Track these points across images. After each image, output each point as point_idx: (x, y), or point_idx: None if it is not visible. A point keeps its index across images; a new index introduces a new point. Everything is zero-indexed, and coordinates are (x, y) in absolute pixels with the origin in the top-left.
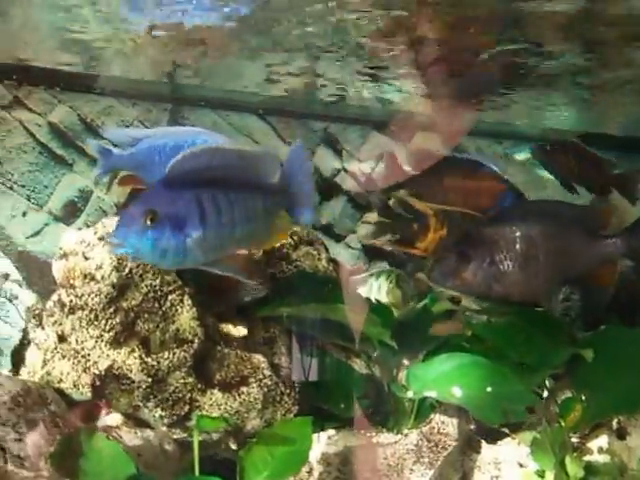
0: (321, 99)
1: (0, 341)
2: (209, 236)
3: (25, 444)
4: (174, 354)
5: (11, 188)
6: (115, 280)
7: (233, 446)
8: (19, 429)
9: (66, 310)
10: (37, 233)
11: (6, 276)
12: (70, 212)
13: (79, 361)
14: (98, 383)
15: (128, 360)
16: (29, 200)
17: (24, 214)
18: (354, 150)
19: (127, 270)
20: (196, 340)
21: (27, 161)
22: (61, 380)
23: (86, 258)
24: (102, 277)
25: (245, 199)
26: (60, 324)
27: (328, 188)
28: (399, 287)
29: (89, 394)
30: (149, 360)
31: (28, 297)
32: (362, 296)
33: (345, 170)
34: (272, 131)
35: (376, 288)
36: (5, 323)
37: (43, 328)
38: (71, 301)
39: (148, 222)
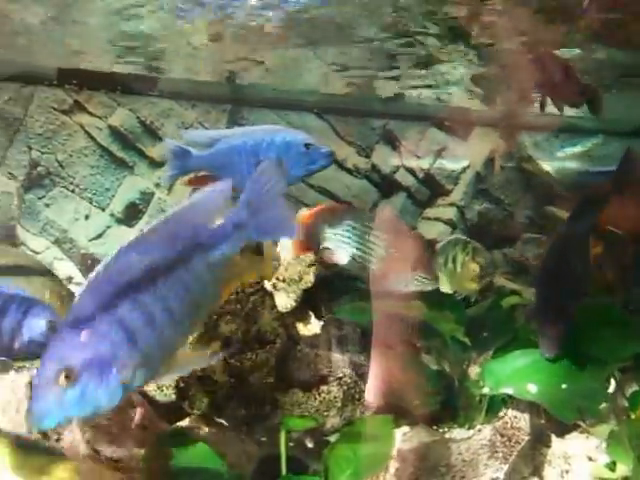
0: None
1: None
2: (150, 349)
3: (118, 447)
4: (256, 355)
5: (73, 191)
6: None
7: (309, 444)
8: (111, 432)
9: None
10: (100, 235)
11: (69, 279)
12: (132, 214)
13: None
14: (182, 385)
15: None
16: (91, 203)
17: (87, 217)
18: (413, 147)
19: None
20: (278, 340)
21: (88, 164)
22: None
23: None
24: None
25: (189, 269)
26: None
27: (388, 185)
28: (475, 261)
29: (173, 396)
30: (232, 361)
31: None
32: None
33: (404, 167)
34: (330, 130)
35: (450, 259)
36: None
37: None
38: None
39: (64, 383)
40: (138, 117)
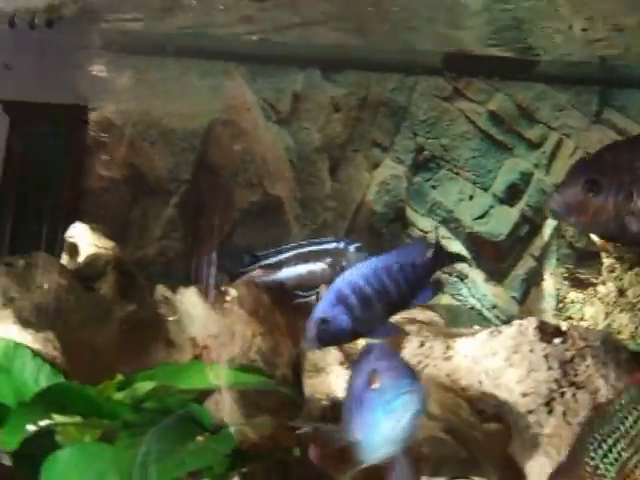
0: None
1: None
2: None
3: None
4: None
5: (457, 174)
6: None
7: None
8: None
9: (626, 266)
10: (483, 215)
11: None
12: (512, 194)
13: (636, 314)
14: None
15: None
16: (474, 184)
17: (470, 197)
18: None
19: None
20: None
21: (470, 148)
22: (619, 332)
23: None
24: None
25: None
26: (620, 279)
27: None
28: None
29: None
30: None
31: (477, 276)
32: None
33: None
34: None
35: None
36: (457, 300)
37: (605, 283)
38: (630, 258)
39: None
40: (515, 101)
